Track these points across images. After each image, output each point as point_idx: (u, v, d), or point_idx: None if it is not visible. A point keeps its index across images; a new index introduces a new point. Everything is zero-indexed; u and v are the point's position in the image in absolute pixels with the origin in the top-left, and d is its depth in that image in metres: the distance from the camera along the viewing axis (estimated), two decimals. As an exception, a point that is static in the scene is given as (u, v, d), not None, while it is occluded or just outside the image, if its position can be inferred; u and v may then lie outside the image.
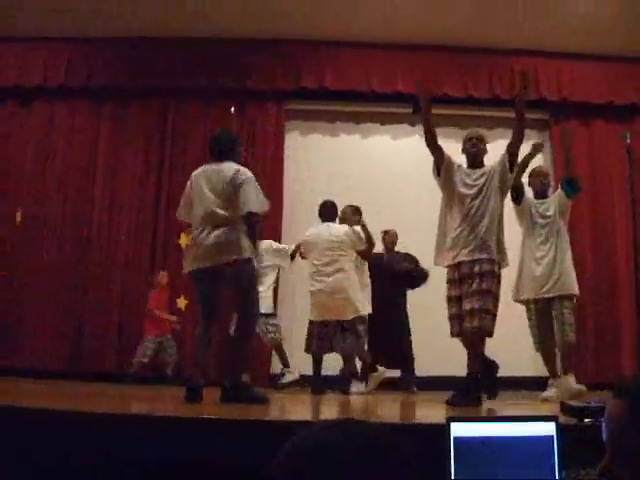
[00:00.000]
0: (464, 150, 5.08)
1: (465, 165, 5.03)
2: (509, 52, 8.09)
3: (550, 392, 5.48)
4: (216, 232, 4.60)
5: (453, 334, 4.77)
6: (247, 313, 4.68)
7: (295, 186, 8.14)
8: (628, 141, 4.98)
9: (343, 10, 7.44)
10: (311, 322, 6.43)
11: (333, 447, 0.96)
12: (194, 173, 4.90)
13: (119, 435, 2.96)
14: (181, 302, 7.72)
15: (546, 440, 2.07)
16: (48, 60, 8.21)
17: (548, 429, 2.08)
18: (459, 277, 4.75)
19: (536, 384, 6.71)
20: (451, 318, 4.79)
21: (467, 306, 4.64)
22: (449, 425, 2.10)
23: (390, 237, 7.29)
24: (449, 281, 4.85)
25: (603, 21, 7.47)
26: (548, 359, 5.66)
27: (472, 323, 4.59)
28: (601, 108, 8.25)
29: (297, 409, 4.96)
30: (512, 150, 4.92)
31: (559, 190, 5.88)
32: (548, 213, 5.77)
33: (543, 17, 7.46)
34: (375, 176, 8.06)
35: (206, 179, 4.75)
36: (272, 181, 8.01)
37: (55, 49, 8.22)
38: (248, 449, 2.81)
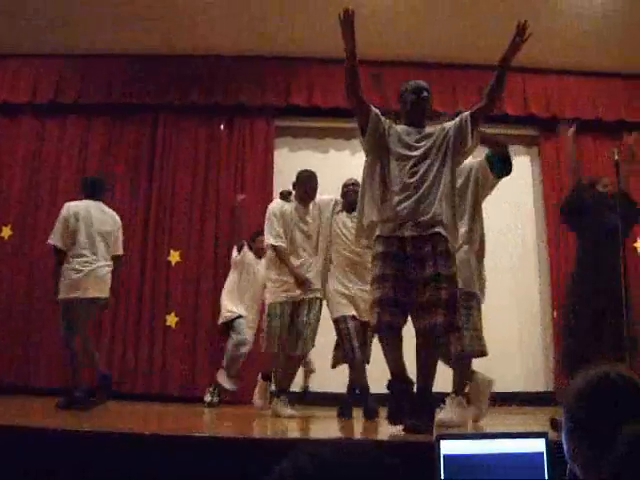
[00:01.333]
0: (406, 101, 4.24)
1: (403, 123, 4.24)
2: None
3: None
4: (106, 268, 5.73)
5: (381, 327, 3.80)
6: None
7: (285, 202, 8.12)
8: (616, 157, 4.99)
9: (333, 27, 7.44)
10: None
11: (331, 466, 0.95)
12: (75, 208, 5.79)
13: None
14: (171, 319, 7.70)
15: (536, 457, 2.06)
16: (38, 77, 8.21)
17: (538, 446, 2.07)
18: (403, 255, 3.86)
19: (526, 399, 6.75)
20: (381, 303, 3.80)
21: (422, 296, 3.77)
22: (439, 442, 2.09)
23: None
24: (382, 256, 3.89)
25: (592, 38, 7.53)
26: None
27: (434, 318, 3.73)
28: (590, 124, 8.27)
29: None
30: (479, 114, 4.10)
31: (480, 160, 4.64)
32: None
33: (532, 34, 7.50)
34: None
35: (95, 216, 5.80)
36: (262, 197, 8.02)
37: (45, 66, 8.22)
38: (246, 466, 2.80)
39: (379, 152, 4.12)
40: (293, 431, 4.70)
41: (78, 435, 3.20)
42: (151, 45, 7.90)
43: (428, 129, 4.18)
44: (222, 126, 8.25)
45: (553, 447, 2.06)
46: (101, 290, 5.72)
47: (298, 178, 5.83)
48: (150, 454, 2.96)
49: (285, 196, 5.86)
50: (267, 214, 5.77)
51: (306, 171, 5.84)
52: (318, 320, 5.59)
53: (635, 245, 7.73)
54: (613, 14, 7.24)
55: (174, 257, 7.88)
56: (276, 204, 5.84)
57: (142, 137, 8.26)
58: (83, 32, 7.66)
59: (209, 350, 7.55)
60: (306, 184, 5.76)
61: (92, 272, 5.64)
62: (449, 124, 4.17)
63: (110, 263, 5.84)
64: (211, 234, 7.96)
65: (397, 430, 3.78)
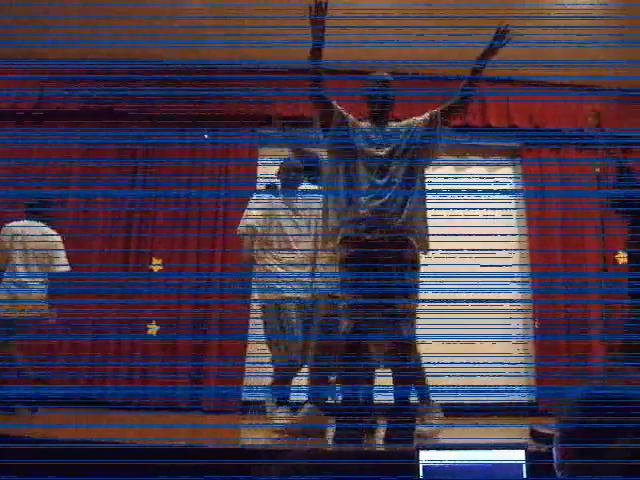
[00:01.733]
0: (370, 97, 4.20)
1: (368, 120, 4.16)
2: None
3: None
4: (41, 288, 5.85)
5: (359, 331, 3.69)
6: None
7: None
8: (597, 170, 5.02)
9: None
10: None
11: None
12: (11, 229, 5.92)
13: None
14: (153, 327, 7.64)
15: (515, 468, 2.06)
16: (22, 84, 8.20)
17: (517, 456, 2.07)
18: (370, 259, 3.72)
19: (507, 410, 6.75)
20: (355, 307, 3.70)
21: (389, 305, 3.66)
22: (418, 453, 2.09)
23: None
24: (349, 261, 3.81)
25: (575, 50, 7.56)
26: None
27: (402, 328, 3.67)
28: (573, 136, 8.28)
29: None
30: (449, 111, 4.00)
31: None
32: None
33: (511, 39, 7.51)
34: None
35: (32, 237, 5.89)
36: (245, 206, 7.99)
37: (29, 73, 8.16)
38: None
39: (343, 151, 3.99)
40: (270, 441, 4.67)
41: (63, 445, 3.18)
42: (136, 54, 7.87)
43: (394, 126, 4.09)
44: (205, 135, 8.23)
45: (532, 458, 2.06)
46: (34, 310, 5.86)
47: (281, 167, 5.60)
48: (129, 464, 2.95)
49: (272, 188, 5.67)
50: (249, 204, 5.57)
51: (289, 160, 5.61)
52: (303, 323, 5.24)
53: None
54: (597, 27, 7.28)
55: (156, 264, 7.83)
56: (264, 196, 5.62)
57: (125, 144, 8.21)
58: (69, 38, 7.61)
59: (190, 359, 7.51)
60: (289, 173, 5.50)
61: (26, 292, 5.83)
62: (417, 120, 4.09)
63: (45, 283, 5.95)
64: (194, 242, 7.93)
65: (377, 440, 3.77)
